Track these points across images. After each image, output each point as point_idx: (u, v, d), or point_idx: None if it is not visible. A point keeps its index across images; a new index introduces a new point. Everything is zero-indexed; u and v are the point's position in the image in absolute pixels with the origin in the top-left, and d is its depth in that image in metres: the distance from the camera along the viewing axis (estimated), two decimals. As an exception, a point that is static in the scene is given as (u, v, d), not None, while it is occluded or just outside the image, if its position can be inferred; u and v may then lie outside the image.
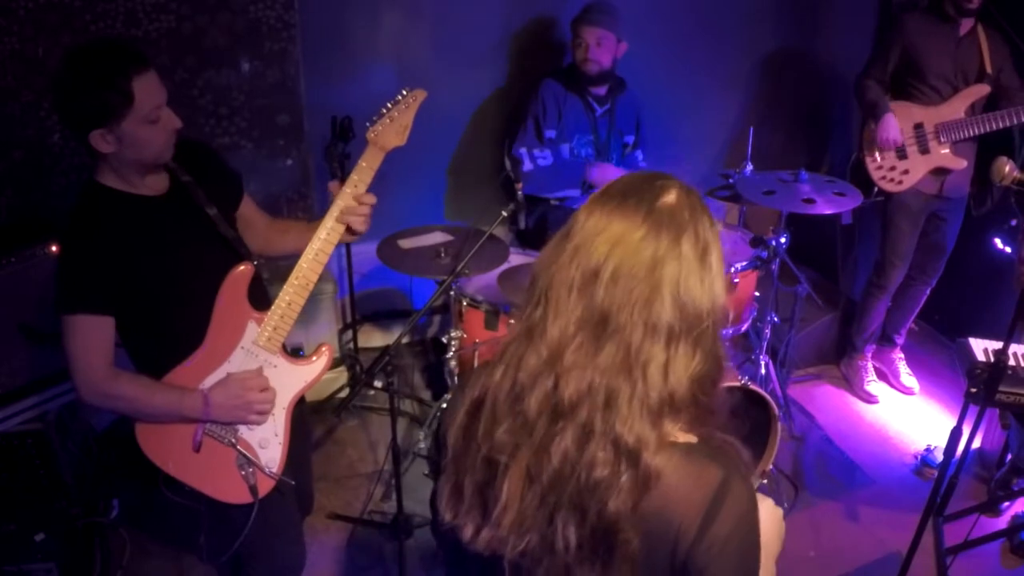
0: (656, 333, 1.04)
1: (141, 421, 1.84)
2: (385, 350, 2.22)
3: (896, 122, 3.29)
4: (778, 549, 1.23)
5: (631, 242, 1.04)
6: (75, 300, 1.74)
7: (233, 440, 1.87)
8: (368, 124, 1.93)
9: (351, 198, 1.90)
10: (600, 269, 1.04)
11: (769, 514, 1.21)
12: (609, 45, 3.36)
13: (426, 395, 3.67)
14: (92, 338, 1.75)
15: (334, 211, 1.90)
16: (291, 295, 1.88)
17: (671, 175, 1.12)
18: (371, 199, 1.93)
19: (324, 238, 1.90)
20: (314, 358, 1.94)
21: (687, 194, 1.10)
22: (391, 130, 1.93)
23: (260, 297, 1.93)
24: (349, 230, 1.93)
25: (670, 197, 1.08)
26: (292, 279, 1.88)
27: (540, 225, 3.61)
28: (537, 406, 1.07)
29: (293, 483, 1.97)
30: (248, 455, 1.88)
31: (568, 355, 1.05)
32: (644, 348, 1.03)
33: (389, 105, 1.94)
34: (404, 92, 1.96)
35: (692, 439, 1.09)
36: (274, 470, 1.90)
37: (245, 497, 1.88)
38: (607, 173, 3.53)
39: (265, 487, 1.90)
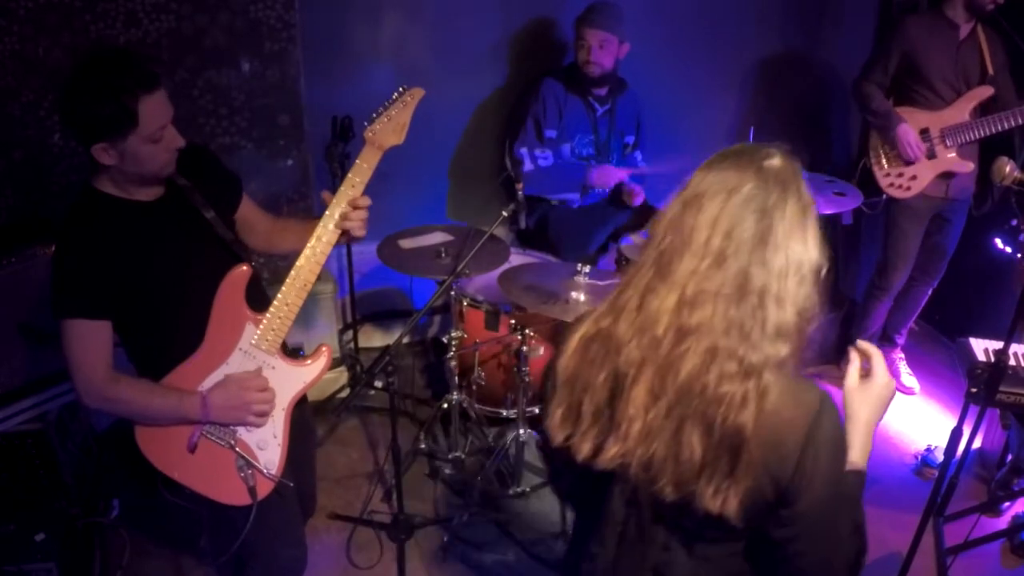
0: (769, 270, 1.19)
1: (141, 424, 1.84)
2: (385, 350, 2.21)
3: (913, 131, 3.28)
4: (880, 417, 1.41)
5: (744, 191, 1.20)
6: (71, 305, 1.74)
7: (232, 442, 1.87)
8: (366, 123, 1.93)
9: (349, 198, 1.90)
10: (719, 215, 1.20)
11: (884, 385, 1.43)
12: (611, 48, 3.36)
13: (426, 395, 3.67)
14: (90, 342, 1.76)
15: (332, 212, 1.90)
16: (289, 296, 1.87)
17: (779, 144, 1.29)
18: (366, 202, 1.92)
19: (322, 239, 1.90)
20: (312, 359, 1.94)
21: (791, 161, 1.27)
22: (389, 129, 1.92)
23: (258, 298, 1.93)
24: (349, 231, 1.93)
25: (776, 160, 1.24)
26: (290, 280, 1.88)
27: (540, 225, 3.61)
28: (664, 328, 1.21)
29: (292, 485, 1.96)
30: (247, 457, 1.87)
31: (692, 286, 1.20)
32: (760, 281, 1.19)
33: (386, 103, 1.94)
34: (401, 90, 1.95)
35: (792, 366, 1.24)
36: (273, 472, 1.90)
37: (244, 499, 1.88)
38: (607, 175, 3.53)
39: (264, 489, 1.90)
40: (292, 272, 1.88)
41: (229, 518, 1.91)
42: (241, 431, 1.88)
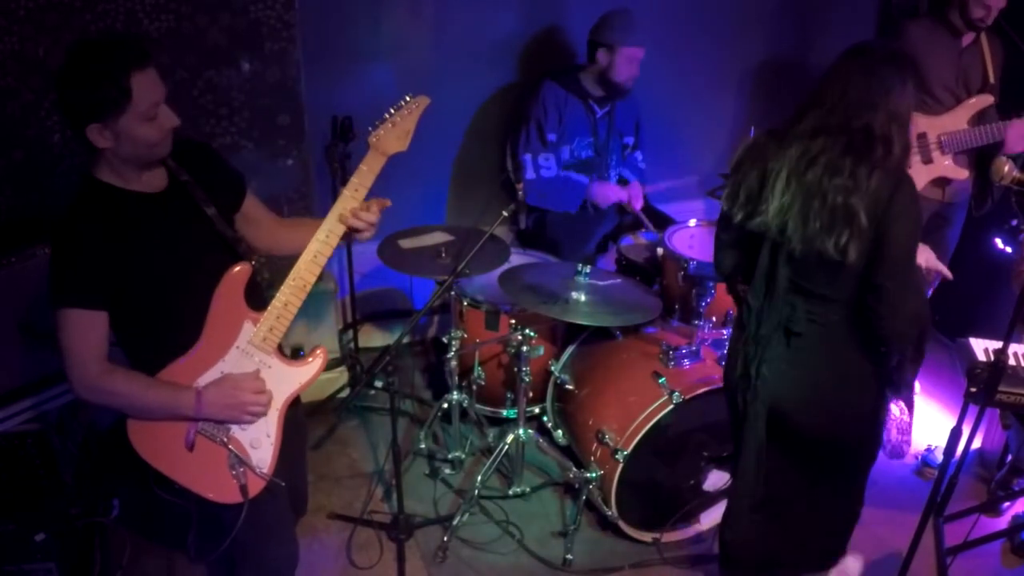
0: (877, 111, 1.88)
1: (134, 418, 1.84)
2: (385, 350, 2.21)
3: (912, 131, 3.28)
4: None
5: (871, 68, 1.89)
6: (67, 294, 1.74)
7: (225, 439, 1.87)
8: (370, 128, 1.94)
9: (352, 200, 1.91)
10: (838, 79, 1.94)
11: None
12: (641, 57, 3.39)
13: (426, 395, 3.67)
14: (86, 333, 1.75)
15: (334, 213, 1.90)
16: (288, 296, 1.88)
17: None
18: (386, 202, 1.96)
19: (323, 240, 1.90)
20: (309, 360, 1.94)
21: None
22: (393, 135, 1.93)
23: (257, 297, 1.93)
24: (351, 231, 1.93)
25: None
26: (289, 280, 1.88)
27: (540, 225, 3.61)
28: (795, 153, 1.93)
29: (283, 484, 1.96)
30: (239, 455, 1.88)
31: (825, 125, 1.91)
32: (861, 121, 1.87)
33: (392, 110, 1.95)
34: (407, 98, 1.97)
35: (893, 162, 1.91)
36: (265, 470, 1.90)
37: (235, 497, 1.88)
38: (608, 192, 3.53)
39: (255, 487, 1.90)
40: (292, 272, 1.88)
41: (218, 516, 1.91)
42: (235, 429, 1.88)
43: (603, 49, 3.36)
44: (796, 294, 2.03)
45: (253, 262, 1.93)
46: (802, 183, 1.91)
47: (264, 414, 1.88)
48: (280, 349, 1.93)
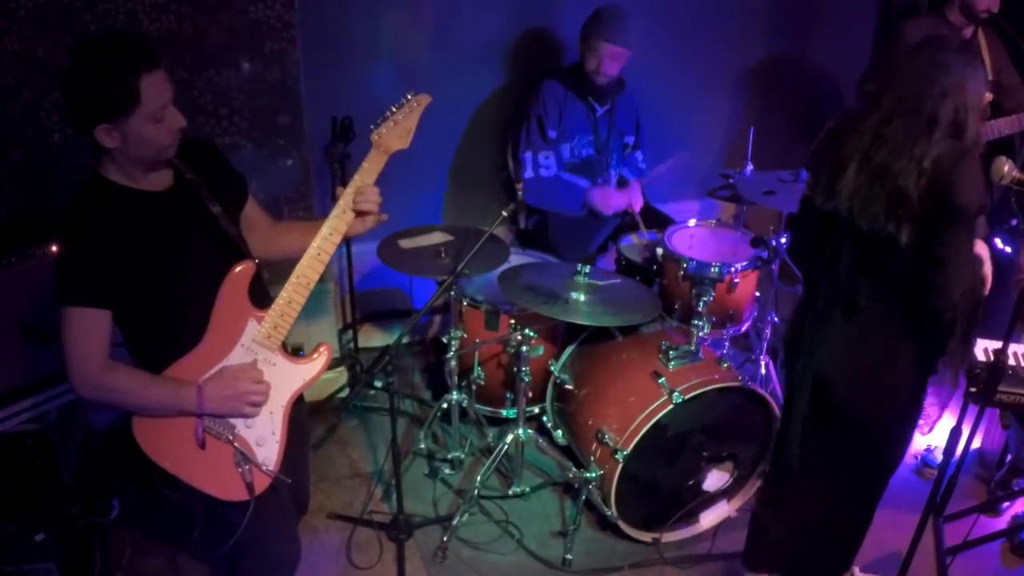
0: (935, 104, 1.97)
1: (138, 415, 1.84)
2: (385, 350, 2.22)
3: None
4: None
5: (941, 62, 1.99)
6: (73, 292, 1.74)
7: (230, 437, 1.87)
8: (372, 127, 1.94)
9: (352, 199, 1.91)
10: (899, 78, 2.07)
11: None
12: (622, 59, 3.36)
13: (426, 395, 3.67)
14: (89, 331, 1.76)
15: (336, 211, 1.91)
16: (291, 293, 1.88)
17: None
18: (374, 198, 1.95)
19: (326, 237, 1.90)
20: (313, 356, 1.95)
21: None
22: (394, 133, 1.94)
23: (261, 295, 1.94)
24: (359, 215, 1.94)
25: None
26: (292, 278, 1.89)
27: (540, 226, 3.61)
28: (867, 138, 2.05)
29: (290, 481, 1.97)
30: (245, 452, 1.88)
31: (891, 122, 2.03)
32: (932, 107, 1.97)
33: (393, 108, 1.96)
34: (409, 96, 1.97)
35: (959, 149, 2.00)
36: (271, 468, 1.91)
37: (241, 494, 1.88)
38: (608, 198, 3.52)
39: (261, 485, 1.90)
40: (295, 270, 1.89)
41: (223, 514, 1.91)
42: (240, 427, 1.89)
43: (583, 44, 3.37)
44: (862, 274, 2.14)
45: (257, 260, 1.93)
46: (871, 167, 2.03)
47: (263, 403, 1.89)
48: (284, 346, 1.93)
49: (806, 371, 2.26)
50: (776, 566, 2.56)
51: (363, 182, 1.92)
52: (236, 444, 1.88)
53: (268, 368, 1.89)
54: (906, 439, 2.34)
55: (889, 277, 2.09)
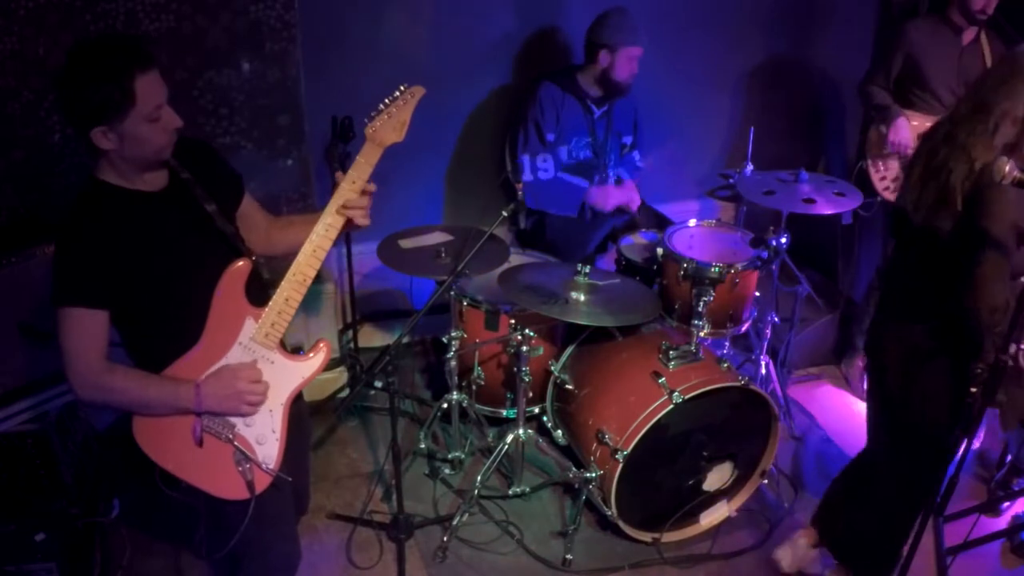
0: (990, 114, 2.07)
1: (137, 415, 1.84)
2: (385, 350, 2.21)
3: (908, 125, 3.29)
4: None
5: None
6: (70, 293, 1.74)
7: (231, 436, 1.87)
8: (366, 120, 1.93)
9: (349, 192, 1.90)
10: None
11: None
12: (639, 57, 3.39)
13: (426, 395, 3.67)
14: (87, 331, 1.76)
15: (332, 206, 1.90)
16: (288, 291, 1.88)
17: None
18: (371, 187, 1.93)
19: (322, 233, 1.90)
20: (312, 354, 1.94)
21: None
22: (389, 126, 1.93)
23: (258, 293, 1.93)
24: (350, 223, 1.93)
25: None
26: (289, 275, 1.88)
27: (540, 226, 3.61)
28: (940, 135, 2.16)
29: (290, 480, 1.97)
30: (245, 451, 1.88)
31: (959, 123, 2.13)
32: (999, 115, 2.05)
33: (387, 101, 1.94)
34: (402, 88, 1.96)
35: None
36: (271, 466, 1.90)
37: (242, 493, 1.88)
38: (608, 197, 3.53)
39: (262, 483, 1.90)
40: (292, 267, 1.88)
41: (225, 513, 1.91)
42: (240, 425, 1.89)
43: (604, 50, 3.35)
44: (922, 268, 2.23)
45: (254, 258, 1.93)
46: (934, 162, 2.13)
47: (261, 402, 1.89)
48: (282, 344, 1.93)
49: (871, 355, 2.42)
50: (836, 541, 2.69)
51: (359, 176, 1.91)
52: (236, 443, 1.87)
53: (267, 366, 1.89)
54: (945, 449, 2.20)
55: (943, 278, 2.14)
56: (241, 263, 1.88)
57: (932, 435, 2.29)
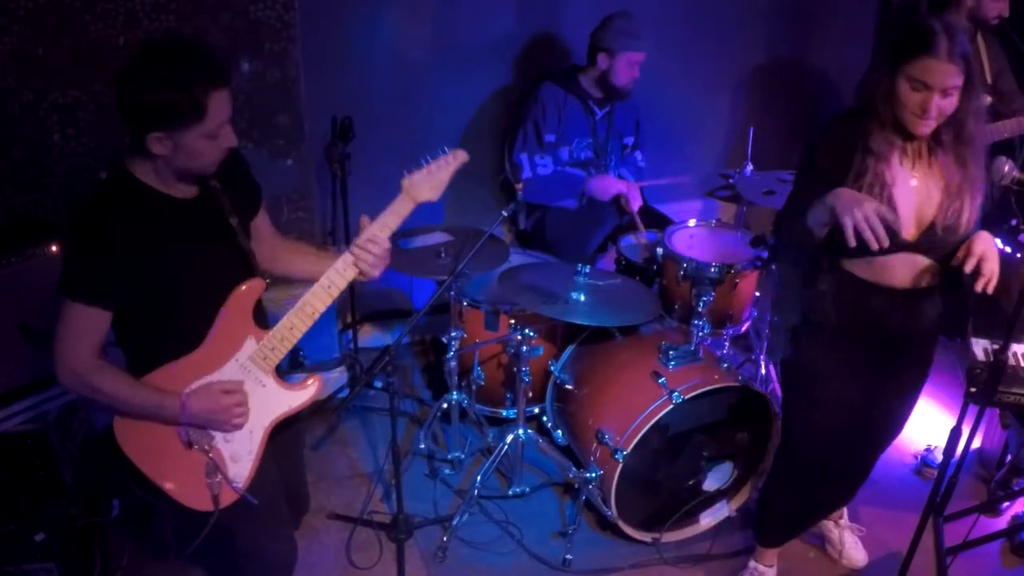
0: None
1: (120, 414, 1.84)
2: (385, 350, 2.21)
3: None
4: None
5: None
6: (81, 290, 1.72)
7: (207, 447, 1.87)
8: (405, 172, 1.92)
9: (379, 233, 1.90)
10: None
11: None
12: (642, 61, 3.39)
13: (426, 395, 3.67)
14: (86, 327, 1.74)
15: (354, 247, 1.90)
16: (295, 320, 1.87)
17: None
18: (385, 244, 1.92)
19: (340, 271, 1.89)
20: (302, 387, 1.94)
21: None
22: (427, 184, 1.92)
23: (262, 315, 1.93)
24: (360, 273, 1.92)
25: None
26: (299, 305, 1.87)
27: (539, 226, 3.61)
28: None
29: (256, 503, 1.94)
30: (219, 465, 1.88)
31: None
32: None
33: (429, 158, 1.93)
34: (446, 150, 1.96)
35: None
36: (239, 485, 1.90)
37: (206, 505, 1.88)
38: (606, 186, 3.52)
39: (227, 500, 1.90)
40: (303, 299, 1.88)
41: (194, 517, 1.91)
42: (219, 440, 1.89)
43: (603, 53, 3.35)
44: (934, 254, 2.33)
45: (268, 280, 1.92)
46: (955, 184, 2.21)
47: (242, 424, 1.88)
48: (277, 370, 1.93)
49: None
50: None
51: (392, 223, 1.91)
52: (211, 455, 1.87)
53: (257, 388, 1.89)
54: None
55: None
56: (255, 283, 1.87)
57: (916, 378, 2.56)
